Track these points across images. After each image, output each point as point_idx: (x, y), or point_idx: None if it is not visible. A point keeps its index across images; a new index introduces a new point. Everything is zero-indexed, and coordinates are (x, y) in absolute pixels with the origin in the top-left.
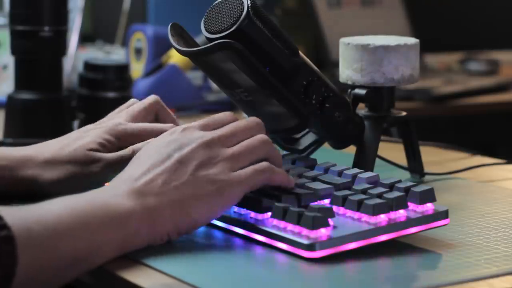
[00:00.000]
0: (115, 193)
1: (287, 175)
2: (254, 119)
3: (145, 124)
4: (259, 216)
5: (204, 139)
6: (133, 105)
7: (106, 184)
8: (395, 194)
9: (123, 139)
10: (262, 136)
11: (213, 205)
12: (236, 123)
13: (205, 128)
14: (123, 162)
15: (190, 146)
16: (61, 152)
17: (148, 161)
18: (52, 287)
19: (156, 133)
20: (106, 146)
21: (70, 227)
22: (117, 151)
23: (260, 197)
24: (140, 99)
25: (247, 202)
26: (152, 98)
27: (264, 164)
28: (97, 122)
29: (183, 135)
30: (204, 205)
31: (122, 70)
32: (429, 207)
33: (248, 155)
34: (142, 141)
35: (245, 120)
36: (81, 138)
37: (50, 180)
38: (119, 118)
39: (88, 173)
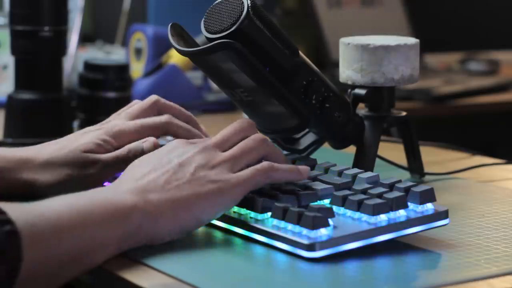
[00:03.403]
0: (117, 190)
1: (295, 168)
2: (244, 120)
3: (138, 120)
4: (259, 216)
5: (202, 145)
6: (133, 106)
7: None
8: (395, 194)
9: (121, 139)
10: (257, 136)
11: (215, 204)
12: (228, 127)
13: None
14: (119, 162)
15: (190, 152)
16: (58, 155)
17: (149, 165)
18: (55, 284)
19: (151, 127)
20: (103, 146)
21: (71, 223)
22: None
23: (260, 197)
24: (141, 99)
25: (247, 202)
26: (151, 98)
27: (264, 163)
28: (97, 124)
29: (183, 144)
30: (206, 204)
31: (122, 70)
32: (429, 207)
33: (246, 155)
34: (139, 138)
35: (236, 122)
36: (78, 140)
37: (48, 182)
38: (118, 120)
39: (85, 175)
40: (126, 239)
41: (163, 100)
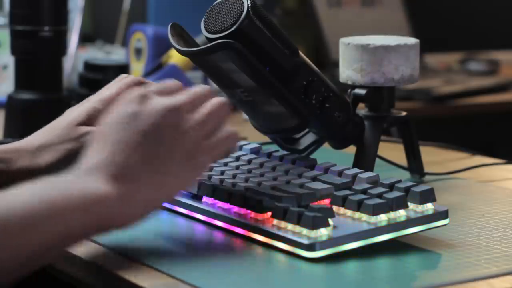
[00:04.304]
0: (87, 178)
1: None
2: (202, 86)
3: (121, 83)
4: (259, 216)
5: (167, 107)
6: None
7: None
8: (395, 194)
9: (110, 104)
10: (218, 99)
11: (188, 178)
12: (190, 90)
13: (161, 94)
14: None
15: (154, 117)
16: (51, 135)
17: (115, 140)
18: (22, 273)
19: (132, 84)
20: (94, 116)
21: (42, 215)
22: None
23: (260, 197)
24: None
25: (247, 202)
26: (121, 76)
27: (233, 131)
28: (81, 102)
29: (143, 106)
30: (180, 181)
31: (122, 70)
32: (429, 207)
33: (214, 119)
34: None
35: (197, 88)
36: (68, 116)
37: (47, 164)
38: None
39: (80, 147)
40: (99, 227)
41: (141, 78)
